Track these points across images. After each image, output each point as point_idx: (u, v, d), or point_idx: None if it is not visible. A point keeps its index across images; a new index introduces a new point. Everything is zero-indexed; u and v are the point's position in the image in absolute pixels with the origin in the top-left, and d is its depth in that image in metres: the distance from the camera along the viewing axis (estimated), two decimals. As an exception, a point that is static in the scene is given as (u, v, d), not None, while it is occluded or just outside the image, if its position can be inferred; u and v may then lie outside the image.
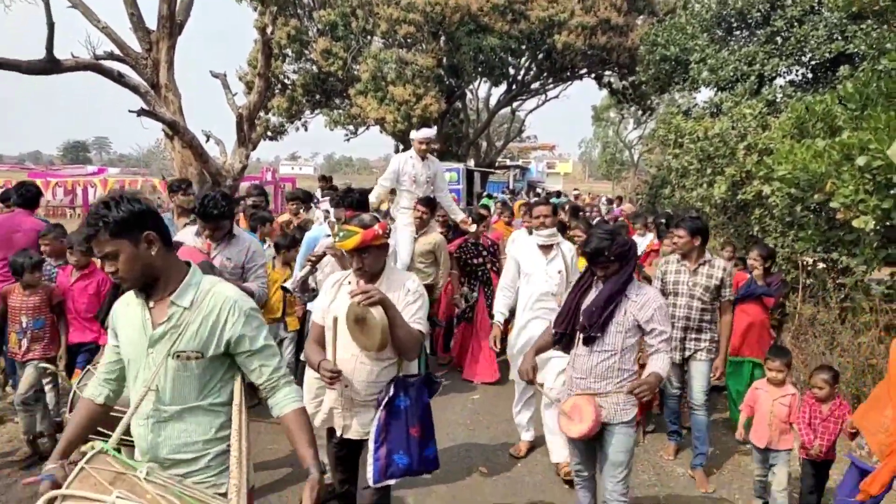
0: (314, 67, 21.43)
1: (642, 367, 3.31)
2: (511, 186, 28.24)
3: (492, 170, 25.98)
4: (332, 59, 20.12)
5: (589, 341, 3.06)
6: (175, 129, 7.95)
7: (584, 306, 3.10)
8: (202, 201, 3.72)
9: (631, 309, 3.02)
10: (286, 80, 22.02)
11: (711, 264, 4.34)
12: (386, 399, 2.68)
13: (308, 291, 4.25)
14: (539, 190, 30.34)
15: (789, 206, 7.37)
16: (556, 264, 4.34)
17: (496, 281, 6.02)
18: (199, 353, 1.99)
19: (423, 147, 5.72)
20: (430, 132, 5.86)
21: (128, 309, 2.07)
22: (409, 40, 19.98)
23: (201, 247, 3.72)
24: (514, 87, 24.33)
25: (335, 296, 2.85)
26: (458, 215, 6.48)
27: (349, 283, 2.81)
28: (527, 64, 23.25)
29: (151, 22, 8.63)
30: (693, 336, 4.35)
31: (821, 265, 7.53)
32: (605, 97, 28.63)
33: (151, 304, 2.02)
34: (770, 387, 3.94)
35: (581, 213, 8.74)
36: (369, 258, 2.71)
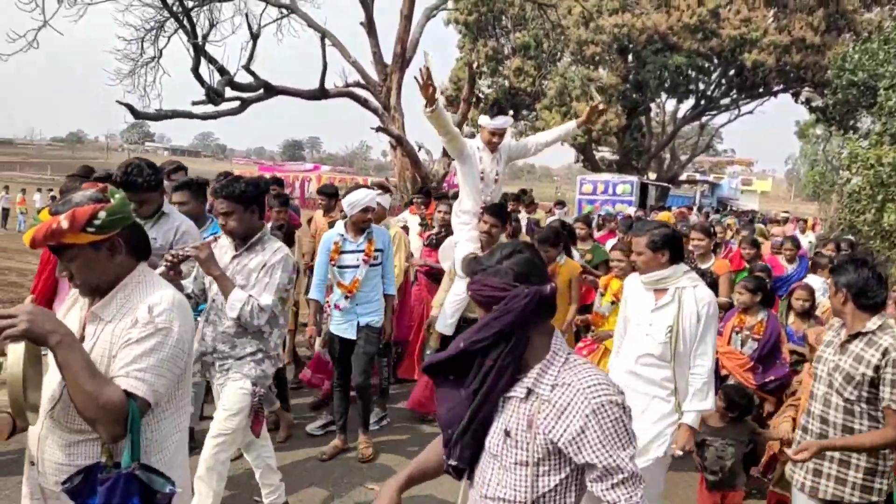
0: (506, 83, 23.71)
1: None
2: (698, 202, 26.42)
3: (668, 184, 26.16)
4: (522, 76, 22.27)
5: (458, 472, 1.63)
6: (400, 143, 10.33)
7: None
8: (125, 169, 3.19)
9: (541, 416, 1.47)
10: (480, 94, 24.59)
11: (870, 340, 2.49)
12: (69, 490, 1.65)
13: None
14: (731, 208, 29.07)
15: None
16: (666, 315, 2.92)
17: None
18: None
19: (495, 139, 4.48)
20: (507, 121, 4.56)
21: None
22: (595, 59, 21.40)
23: None
24: (701, 102, 24.47)
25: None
26: (562, 126, 5.25)
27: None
28: (716, 80, 23.35)
29: (388, 57, 11.20)
30: (836, 455, 2.55)
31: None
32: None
33: None
34: None
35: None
36: (75, 263, 1.69)
